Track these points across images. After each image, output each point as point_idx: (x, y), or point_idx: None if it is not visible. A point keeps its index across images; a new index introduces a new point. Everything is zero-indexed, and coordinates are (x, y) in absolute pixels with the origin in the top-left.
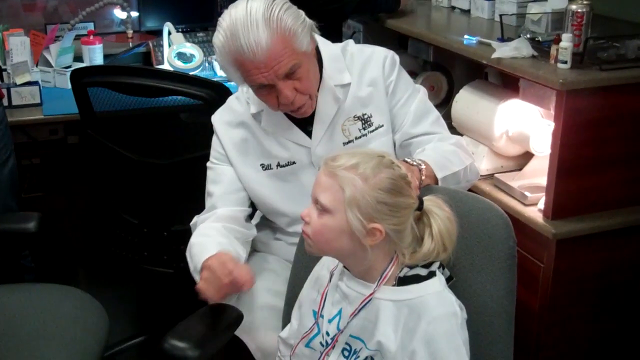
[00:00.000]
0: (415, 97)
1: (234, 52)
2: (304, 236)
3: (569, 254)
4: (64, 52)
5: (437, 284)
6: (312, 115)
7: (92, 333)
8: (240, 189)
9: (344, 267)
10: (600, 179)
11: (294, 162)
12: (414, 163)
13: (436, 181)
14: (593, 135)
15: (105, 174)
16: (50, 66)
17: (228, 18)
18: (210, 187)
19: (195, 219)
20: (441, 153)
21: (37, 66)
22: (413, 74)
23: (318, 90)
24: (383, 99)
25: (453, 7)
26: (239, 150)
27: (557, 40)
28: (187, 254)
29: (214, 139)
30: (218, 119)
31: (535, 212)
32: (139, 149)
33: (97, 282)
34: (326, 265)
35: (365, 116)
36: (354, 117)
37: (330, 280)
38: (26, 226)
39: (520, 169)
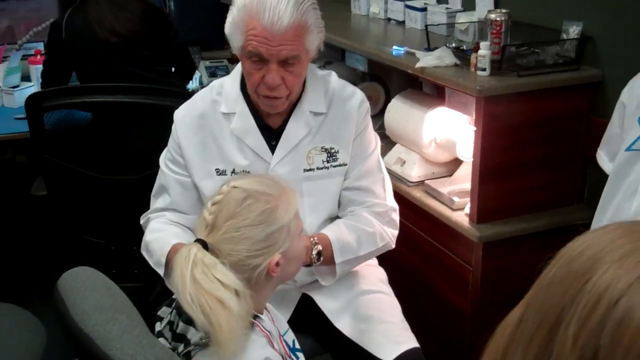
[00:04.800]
0: (374, 152)
1: (255, 13)
2: None
3: (495, 256)
4: (11, 72)
5: None
6: (279, 132)
7: (28, 349)
8: (193, 196)
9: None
10: (523, 182)
11: (248, 172)
12: (316, 250)
13: (332, 261)
14: (513, 140)
15: (67, 197)
16: None
17: None
18: (161, 190)
19: (145, 217)
20: (356, 235)
21: None
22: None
23: (293, 111)
24: (351, 140)
25: (389, 19)
26: (197, 152)
27: (477, 49)
28: (144, 251)
29: (172, 139)
30: (181, 117)
31: (462, 216)
32: (105, 167)
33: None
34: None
35: (333, 150)
36: (322, 148)
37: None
38: None
39: (451, 175)
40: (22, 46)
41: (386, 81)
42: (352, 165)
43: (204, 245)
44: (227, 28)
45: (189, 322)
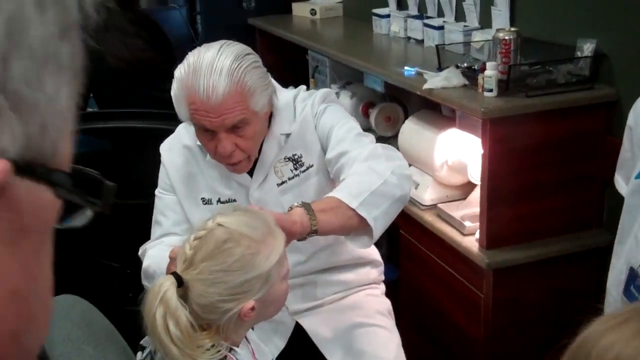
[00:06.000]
0: (338, 124)
1: (190, 88)
2: None
3: (506, 283)
4: None
5: None
6: (256, 159)
7: None
8: (187, 220)
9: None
10: (536, 206)
11: (234, 200)
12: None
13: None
14: (524, 163)
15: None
16: None
17: (197, 55)
18: (158, 217)
19: (143, 247)
20: (354, 179)
21: None
22: (371, 105)
23: (264, 139)
24: (313, 137)
25: (409, 38)
26: (183, 182)
27: (484, 69)
28: (144, 280)
29: (161, 168)
30: (167, 149)
31: (472, 241)
32: (118, 191)
33: None
34: None
35: (296, 156)
36: (285, 158)
37: None
38: None
39: (466, 198)
40: None
41: (404, 102)
42: (328, 147)
43: (179, 281)
44: (173, 101)
45: None
